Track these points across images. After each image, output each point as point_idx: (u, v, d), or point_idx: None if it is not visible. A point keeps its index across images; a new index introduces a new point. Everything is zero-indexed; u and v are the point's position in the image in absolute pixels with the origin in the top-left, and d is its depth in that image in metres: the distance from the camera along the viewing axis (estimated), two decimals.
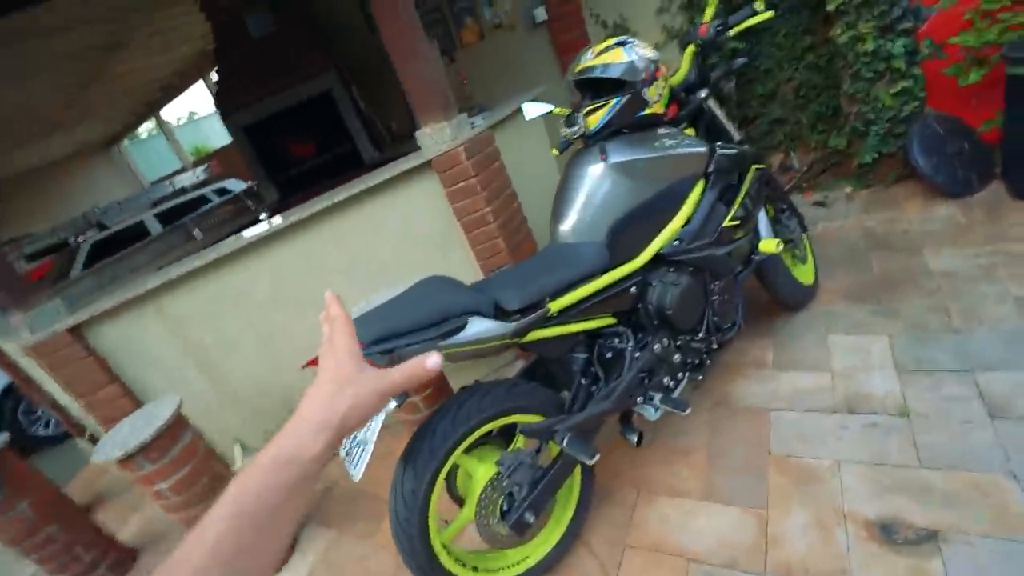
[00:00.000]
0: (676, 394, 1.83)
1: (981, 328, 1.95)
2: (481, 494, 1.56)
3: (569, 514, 1.80)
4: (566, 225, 1.73)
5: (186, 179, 11.99)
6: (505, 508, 1.59)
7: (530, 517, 1.57)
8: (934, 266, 2.35)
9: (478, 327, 1.44)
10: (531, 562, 1.73)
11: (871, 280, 2.44)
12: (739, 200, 1.88)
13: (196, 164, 15.43)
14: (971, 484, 1.51)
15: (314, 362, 1.21)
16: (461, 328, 1.41)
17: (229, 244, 2.48)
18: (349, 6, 4.91)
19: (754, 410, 2.02)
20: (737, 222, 1.85)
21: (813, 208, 3.24)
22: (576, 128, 1.75)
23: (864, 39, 2.83)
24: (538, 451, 1.65)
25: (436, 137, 2.43)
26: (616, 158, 1.71)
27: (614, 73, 1.70)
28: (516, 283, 1.57)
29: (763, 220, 2.18)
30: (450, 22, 4.51)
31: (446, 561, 1.56)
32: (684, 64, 1.96)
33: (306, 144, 5.80)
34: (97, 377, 2.49)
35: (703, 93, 1.89)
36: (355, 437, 1.34)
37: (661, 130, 1.83)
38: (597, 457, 1.56)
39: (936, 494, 1.52)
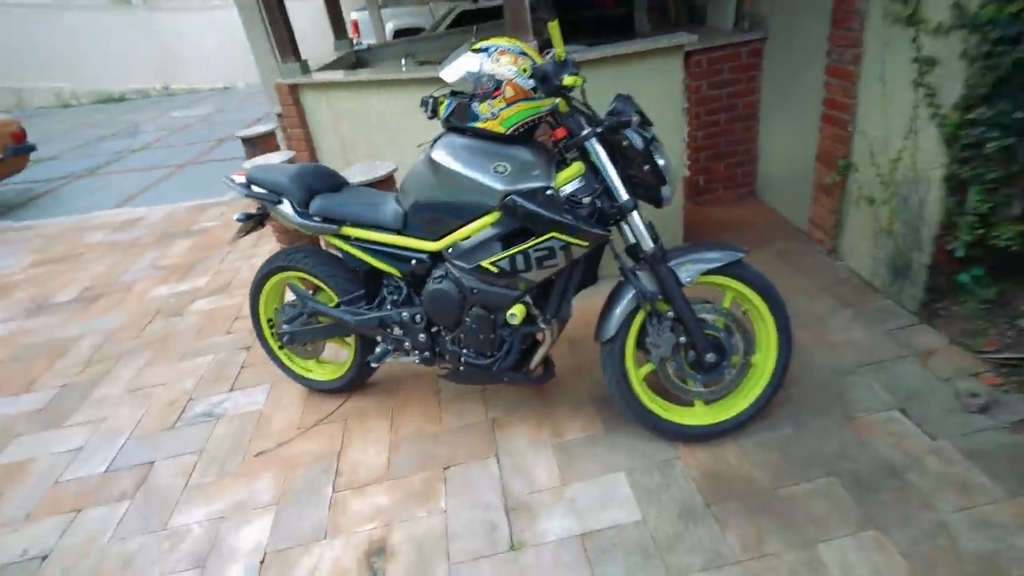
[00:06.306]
0: (410, 360, 2.26)
1: None
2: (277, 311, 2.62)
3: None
4: (403, 179, 2.05)
5: None
6: (286, 319, 2.54)
7: (285, 338, 2.54)
8: None
9: (284, 209, 2.18)
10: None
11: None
12: (508, 253, 1.82)
13: None
14: None
15: None
16: (280, 203, 2.19)
17: (374, 73, 3.48)
18: None
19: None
20: (496, 271, 1.85)
21: (952, 394, 2.13)
22: (424, 109, 1.86)
23: None
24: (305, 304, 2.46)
25: None
26: (434, 153, 1.86)
27: (446, 77, 1.78)
28: (350, 200, 2.14)
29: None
30: None
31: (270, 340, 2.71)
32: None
33: None
34: (296, 120, 3.96)
35: (585, 131, 1.76)
36: None
37: (491, 147, 1.79)
38: (308, 355, 2.59)
39: None
